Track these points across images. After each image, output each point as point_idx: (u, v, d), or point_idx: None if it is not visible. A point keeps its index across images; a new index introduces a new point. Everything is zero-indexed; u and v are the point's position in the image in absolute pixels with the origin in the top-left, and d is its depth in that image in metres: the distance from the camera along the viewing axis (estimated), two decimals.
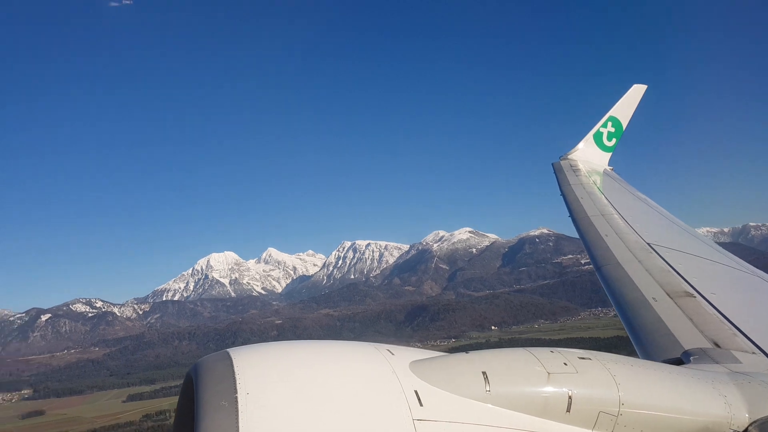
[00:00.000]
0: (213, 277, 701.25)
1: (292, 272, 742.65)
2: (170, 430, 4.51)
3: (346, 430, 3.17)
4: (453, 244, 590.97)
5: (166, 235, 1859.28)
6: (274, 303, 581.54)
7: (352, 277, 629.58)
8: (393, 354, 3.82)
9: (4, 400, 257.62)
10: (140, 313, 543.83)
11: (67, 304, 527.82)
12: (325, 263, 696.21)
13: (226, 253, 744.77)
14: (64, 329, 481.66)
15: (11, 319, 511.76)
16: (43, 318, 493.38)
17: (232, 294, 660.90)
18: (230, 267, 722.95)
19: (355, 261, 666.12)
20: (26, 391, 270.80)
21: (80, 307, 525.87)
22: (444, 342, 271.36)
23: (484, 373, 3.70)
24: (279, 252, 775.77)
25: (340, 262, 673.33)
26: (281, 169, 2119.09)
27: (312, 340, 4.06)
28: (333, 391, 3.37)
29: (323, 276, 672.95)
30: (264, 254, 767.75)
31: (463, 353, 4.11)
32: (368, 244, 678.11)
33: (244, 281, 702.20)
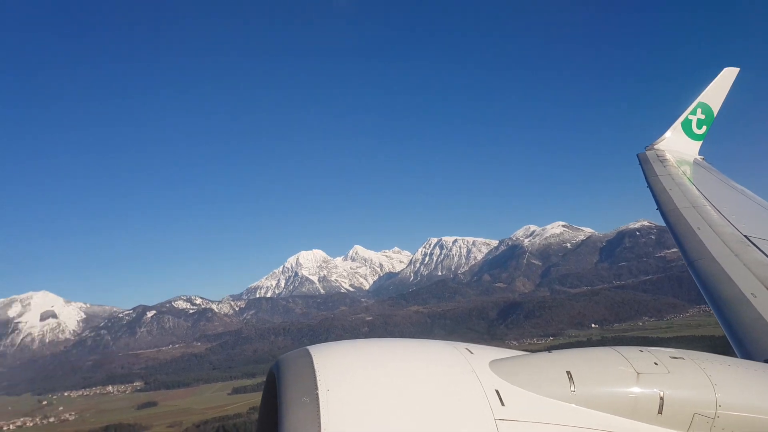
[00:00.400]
0: (303, 274, 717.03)
1: (378, 269, 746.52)
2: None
3: (427, 429, 3.14)
4: (545, 239, 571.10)
5: (259, 235, 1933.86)
6: (363, 300, 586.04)
7: (439, 273, 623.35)
8: (472, 353, 3.80)
9: (119, 391, 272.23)
10: (236, 309, 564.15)
11: (169, 301, 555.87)
12: (411, 260, 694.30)
13: (315, 250, 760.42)
14: (168, 325, 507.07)
15: (120, 315, 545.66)
16: (149, 314, 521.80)
17: (321, 291, 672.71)
18: (318, 264, 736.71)
19: (441, 258, 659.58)
20: (138, 384, 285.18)
21: (182, 304, 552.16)
22: (541, 340, 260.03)
23: (568, 372, 3.63)
24: (365, 249, 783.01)
25: (427, 258, 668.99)
26: (366, 169, 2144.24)
27: (389, 338, 4.13)
28: (412, 390, 3.36)
29: (410, 273, 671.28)
30: (351, 252, 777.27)
31: (545, 352, 4.05)
32: (455, 241, 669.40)
33: (333, 278, 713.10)
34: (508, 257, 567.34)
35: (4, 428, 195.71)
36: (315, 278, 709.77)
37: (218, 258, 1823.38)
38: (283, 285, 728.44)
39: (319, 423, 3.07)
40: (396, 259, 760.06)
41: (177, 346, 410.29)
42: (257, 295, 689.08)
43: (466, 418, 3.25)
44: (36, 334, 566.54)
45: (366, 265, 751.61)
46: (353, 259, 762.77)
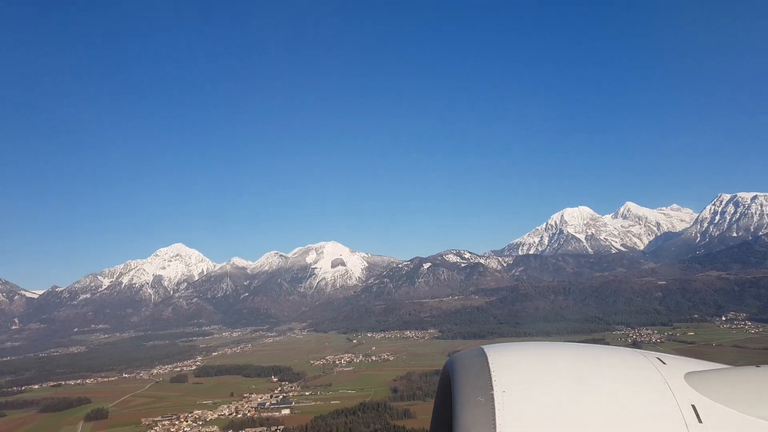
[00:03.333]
0: (568, 232, 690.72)
1: (655, 228, 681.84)
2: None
3: None
4: None
5: (520, 191, 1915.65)
6: (640, 261, 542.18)
7: (734, 235, 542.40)
8: (664, 363, 3.52)
9: (417, 336, 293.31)
10: (504, 265, 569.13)
11: (441, 255, 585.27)
12: (697, 219, 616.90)
13: (581, 207, 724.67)
14: (442, 277, 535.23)
15: (399, 266, 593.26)
16: (425, 266, 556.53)
17: (589, 250, 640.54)
18: (585, 222, 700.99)
19: (737, 216, 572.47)
20: (432, 331, 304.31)
21: (452, 258, 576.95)
22: None
23: None
24: (639, 206, 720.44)
25: (717, 217, 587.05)
26: (638, 121, 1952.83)
27: (567, 342, 3.94)
28: (595, 398, 3.14)
29: (695, 233, 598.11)
30: (621, 209, 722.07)
31: (753, 367, 3.66)
32: (754, 197, 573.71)
33: (601, 237, 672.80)
34: None
35: (336, 361, 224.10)
36: (581, 236, 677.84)
37: (481, 213, 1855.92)
38: (546, 242, 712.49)
39: (495, 424, 2.97)
40: (675, 218, 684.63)
41: (456, 297, 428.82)
42: (519, 252, 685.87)
43: None
44: (329, 279, 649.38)
45: (640, 224, 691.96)
46: (624, 217, 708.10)
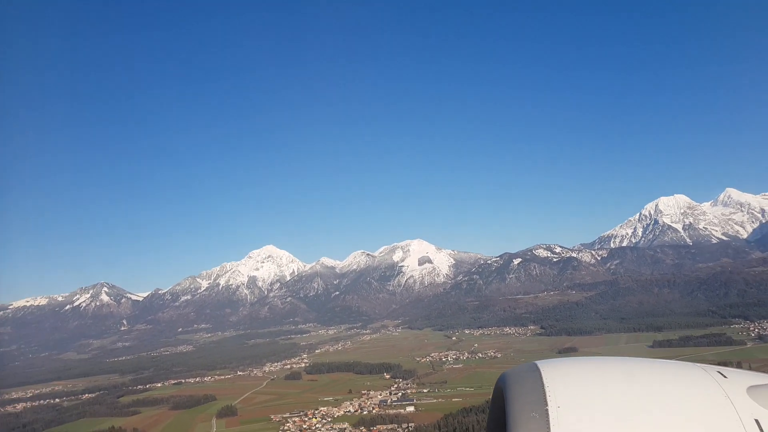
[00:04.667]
0: (663, 222, 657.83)
1: (759, 215, 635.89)
2: None
3: None
4: None
5: (610, 181, 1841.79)
6: (747, 250, 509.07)
7: None
8: (725, 377, 3.44)
9: (518, 333, 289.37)
10: (598, 258, 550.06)
11: (530, 250, 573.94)
12: None
13: (676, 196, 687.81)
14: (534, 272, 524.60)
15: (489, 262, 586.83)
16: (515, 262, 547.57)
17: (687, 240, 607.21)
18: (682, 211, 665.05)
19: None
20: (533, 327, 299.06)
21: (542, 252, 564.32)
22: None
23: None
24: (740, 192, 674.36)
25: None
26: (737, 103, 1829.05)
27: (627, 357, 3.83)
28: (654, 414, 3.07)
29: None
30: (721, 195, 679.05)
31: None
32: None
33: (700, 226, 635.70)
34: None
35: (442, 358, 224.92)
36: (678, 226, 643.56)
37: (569, 206, 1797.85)
38: (640, 234, 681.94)
39: None
40: None
41: (551, 293, 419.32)
42: (611, 245, 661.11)
43: None
44: (416, 277, 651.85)
45: (742, 211, 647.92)
46: (725, 204, 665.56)
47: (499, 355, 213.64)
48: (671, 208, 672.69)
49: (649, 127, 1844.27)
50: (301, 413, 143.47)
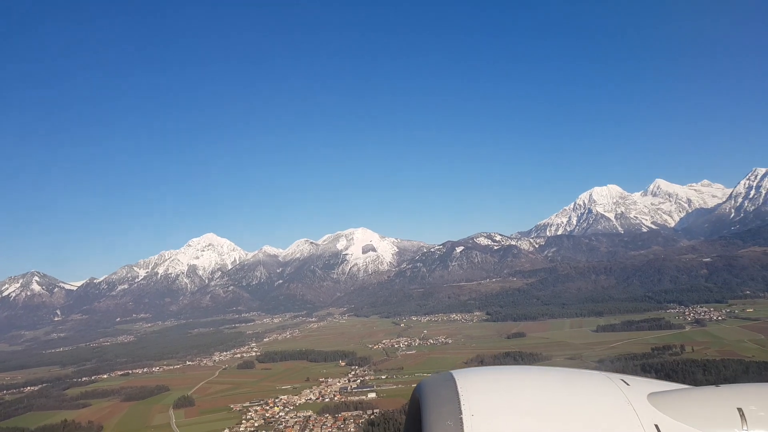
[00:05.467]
0: (597, 211, 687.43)
1: (686, 205, 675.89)
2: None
3: None
4: None
5: (546, 171, 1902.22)
6: (675, 238, 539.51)
7: None
8: (628, 384, 3.65)
9: (464, 319, 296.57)
10: (536, 246, 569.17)
11: (472, 238, 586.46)
12: (731, 194, 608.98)
13: (609, 186, 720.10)
14: (476, 260, 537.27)
15: (432, 250, 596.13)
16: (458, 250, 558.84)
17: (619, 229, 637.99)
18: (614, 201, 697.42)
19: None
20: (478, 313, 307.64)
21: (483, 241, 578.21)
22: None
23: (740, 410, 3.35)
24: (669, 183, 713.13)
25: (752, 192, 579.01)
26: (666, 97, 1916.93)
27: (534, 366, 4.05)
28: (562, 420, 3.26)
29: (729, 209, 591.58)
30: (651, 186, 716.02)
31: (713, 387, 3.85)
32: None
33: (631, 215, 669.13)
34: None
35: (394, 345, 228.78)
36: (611, 215, 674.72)
37: (506, 195, 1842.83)
38: (575, 222, 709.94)
39: None
40: (707, 193, 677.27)
41: (494, 280, 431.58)
42: (547, 233, 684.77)
43: None
44: (361, 265, 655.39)
45: (670, 201, 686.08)
46: (654, 194, 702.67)
47: (450, 341, 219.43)
48: (604, 197, 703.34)
49: (583, 119, 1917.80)
50: (262, 402, 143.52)
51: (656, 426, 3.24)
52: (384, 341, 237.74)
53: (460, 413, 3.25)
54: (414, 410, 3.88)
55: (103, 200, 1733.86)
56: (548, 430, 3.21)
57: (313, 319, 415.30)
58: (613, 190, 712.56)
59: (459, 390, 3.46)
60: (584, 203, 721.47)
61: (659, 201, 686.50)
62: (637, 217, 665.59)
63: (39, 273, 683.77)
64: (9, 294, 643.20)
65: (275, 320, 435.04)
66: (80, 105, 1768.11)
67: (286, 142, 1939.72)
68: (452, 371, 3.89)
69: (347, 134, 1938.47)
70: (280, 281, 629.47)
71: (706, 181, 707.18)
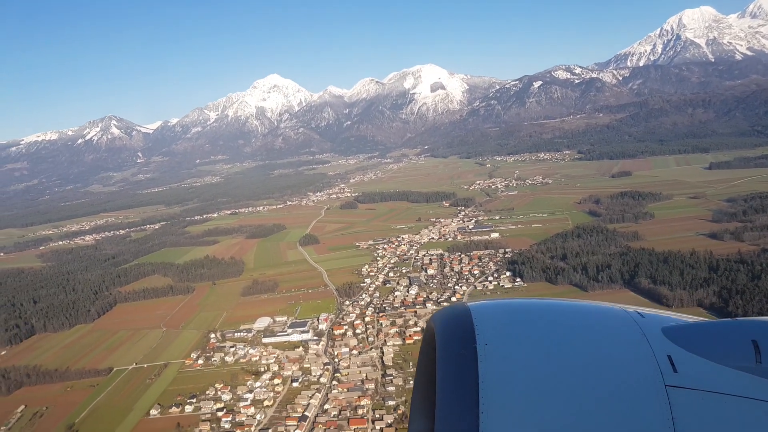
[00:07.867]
0: (686, 37, 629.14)
1: None
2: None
3: (589, 390, 3.13)
4: None
5: None
6: None
7: None
8: (643, 317, 3.80)
9: (555, 159, 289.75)
10: (620, 78, 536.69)
11: (549, 71, 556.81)
12: None
13: (702, 8, 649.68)
14: (555, 95, 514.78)
15: (507, 86, 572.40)
16: (535, 85, 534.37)
17: (710, 56, 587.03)
18: (707, 25, 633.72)
19: None
20: (568, 152, 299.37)
21: (561, 74, 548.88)
22: None
23: (754, 342, 3.44)
24: None
25: None
26: None
27: (554, 298, 4.23)
28: (576, 352, 3.42)
29: None
30: (751, 6, 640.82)
31: (728, 320, 4.01)
32: None
33: (724, 41, 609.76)
34: None
35: (490, 186, 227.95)
36: (701, 41, 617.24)
37: (583, 22, 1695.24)
38: (659, 51, 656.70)
39: (477, 374, 3.19)
40: None
41: (578, 116, 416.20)
42: (627, 63, 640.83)
43: (632, 383, 3.19)
44: (429, 104, 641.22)
45: None
46: (754, 15, 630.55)
47: (550, 181, 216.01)
48: (696, 21, 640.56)
49: None
50: (385, 240, 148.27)
51: (669, 357, 3.36)
52: (478, 182, 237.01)
53: (475, 342, 3.44)
54: (429, 337, 4.06)
55: (170, 43, 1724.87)
56: (561, 359, 3.37)
57: (389, 160, 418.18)
58: (706, 12, 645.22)
59: (474, 320, 3.67)
60: (672, 28, 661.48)
61: (758, 23, 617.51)
62: (731, 43, 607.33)
63: (115, 117, 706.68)
64: (92, 138, 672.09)
65: (350, 161, 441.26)
66: None
67: None
68: (467, 302, 4.05)
69: None
70: (348, 122, 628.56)
71: None
